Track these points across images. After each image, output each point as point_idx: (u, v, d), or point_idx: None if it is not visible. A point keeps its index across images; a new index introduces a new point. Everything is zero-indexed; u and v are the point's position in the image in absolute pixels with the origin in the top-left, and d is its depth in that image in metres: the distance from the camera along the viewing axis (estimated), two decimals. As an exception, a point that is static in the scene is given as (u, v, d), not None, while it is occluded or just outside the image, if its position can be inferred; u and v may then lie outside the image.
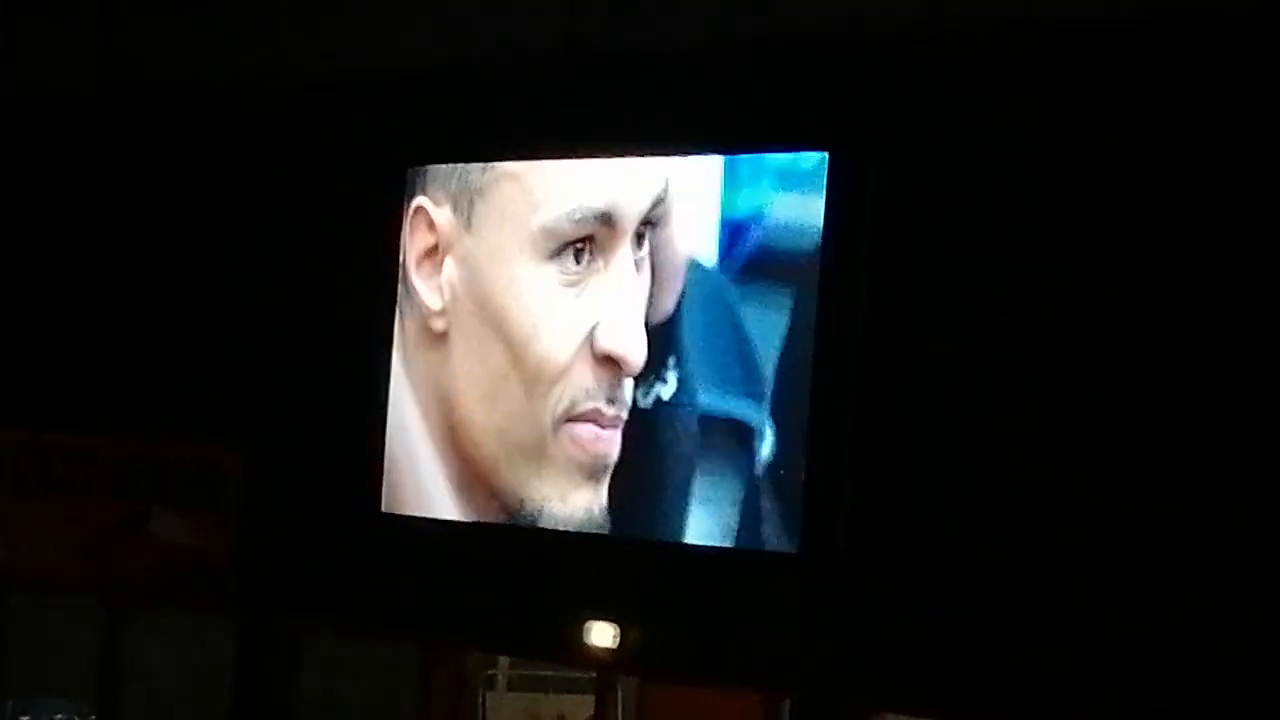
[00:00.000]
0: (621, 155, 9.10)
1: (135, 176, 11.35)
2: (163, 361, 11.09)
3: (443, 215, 9.48)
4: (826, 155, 8.44)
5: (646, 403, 8.88)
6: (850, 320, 8.39)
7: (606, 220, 8.98)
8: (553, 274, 9.11)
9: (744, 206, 8.69)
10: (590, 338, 8.98)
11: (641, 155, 9.03)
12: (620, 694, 9.88)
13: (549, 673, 10.73)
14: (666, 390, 8.83)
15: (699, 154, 8.85)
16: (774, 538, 8.52)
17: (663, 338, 8.88)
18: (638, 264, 8.93)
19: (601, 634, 9.15)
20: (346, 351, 10.18)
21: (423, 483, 9.53)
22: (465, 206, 9.51)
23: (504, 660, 10.91)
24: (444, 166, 9.59)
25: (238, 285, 10.83)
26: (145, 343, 11.19)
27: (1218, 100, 7.74)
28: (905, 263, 8.37)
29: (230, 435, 10.69)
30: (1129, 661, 7.70)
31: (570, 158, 9.29)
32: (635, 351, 8.88)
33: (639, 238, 8.93)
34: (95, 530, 11.17)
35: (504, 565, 9.54)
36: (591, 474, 8.97)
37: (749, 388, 8.61)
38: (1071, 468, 7.94)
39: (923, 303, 8.36)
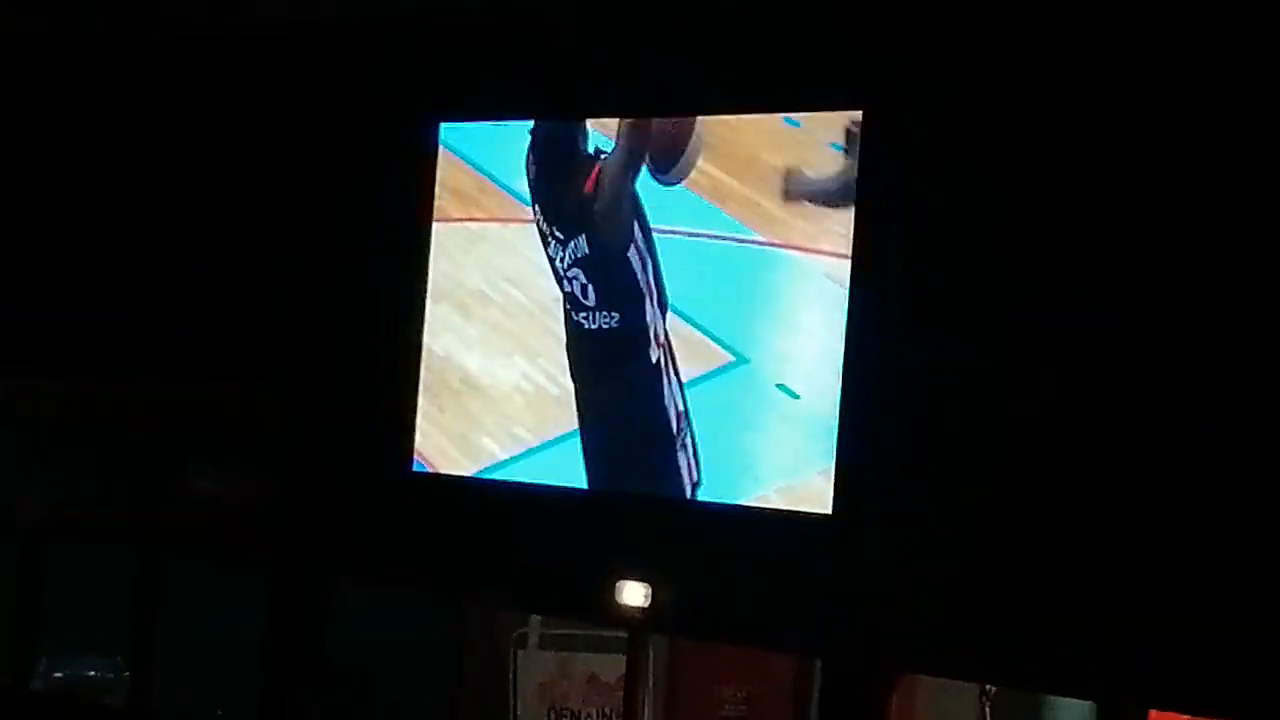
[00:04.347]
0: (651, 114, 9.13)
1: (172, 124, 11.28)
2: (200, 312, 11.08)
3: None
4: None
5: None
6: (888, 279, 8.40)
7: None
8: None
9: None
10: None
11: (675, 114, 9.05)
12: (652, 653, 9.89)
13: (580, 632, 10.73)
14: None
15: (731, 113, 8.87)
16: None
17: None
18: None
19: (633, 593, 9.16)
20: (383, 304, 10.20)
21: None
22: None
23: (535, 619, 10.91)
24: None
25: (273, 235, 10.83)
26: (181, 292, 11.18)
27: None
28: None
29: (267, 387, 10.72)
30: (1165, 627, 7.68)
31: (599, 115, 9.31)
32: None
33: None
34: (132, 481, 11.19)
35: (537, 523, 9.57)
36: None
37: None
38: (1116, 425, 7.87)
39: (959, 265, 8.35)
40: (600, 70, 9.48)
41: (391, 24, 10.22)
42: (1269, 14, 7.53)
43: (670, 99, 9.10)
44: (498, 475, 9.58)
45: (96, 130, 11.63)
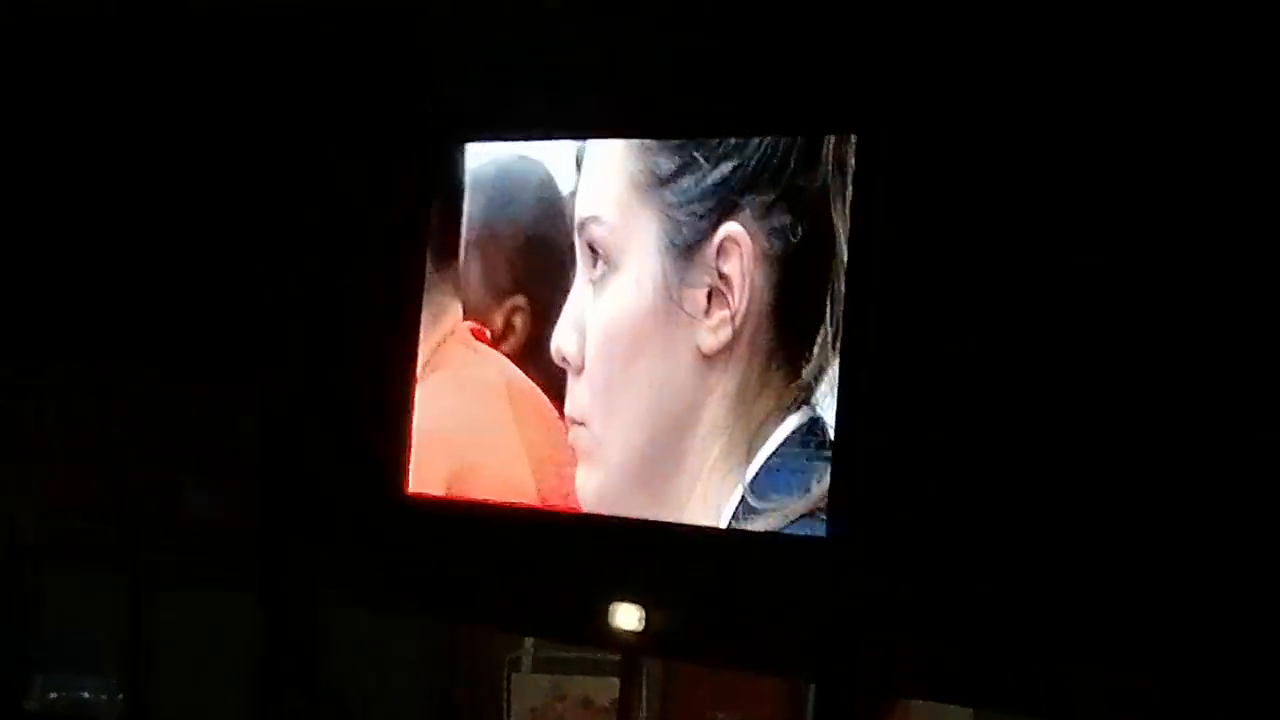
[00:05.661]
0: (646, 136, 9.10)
1: (163, 114, 11.14)
2: (185, 326, 11.01)
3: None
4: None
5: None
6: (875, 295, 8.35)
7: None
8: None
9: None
10: None
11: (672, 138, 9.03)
12: (645, 676, 9.86)
13: (574, 654, 10.71)
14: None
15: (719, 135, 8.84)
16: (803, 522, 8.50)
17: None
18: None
19: (627, 616, 9.11)
20: (375, 327, 10.15)
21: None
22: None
23: (529, 641, 10.89)
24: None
25: (263, 257, 10.78)
26: (164, 303, 11.10)
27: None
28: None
29: (258, 411, 10.68)
30: (1159, 656, 7.61)
31: (600, 137, 9.28)
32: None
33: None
34: (124, 504, 11.16)
35: (530, 546, 9.52)
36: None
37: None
38: (1116, 443, 7.77)
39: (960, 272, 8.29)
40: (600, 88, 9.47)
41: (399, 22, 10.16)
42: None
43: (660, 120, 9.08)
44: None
45: (92, 126, 11.53)
